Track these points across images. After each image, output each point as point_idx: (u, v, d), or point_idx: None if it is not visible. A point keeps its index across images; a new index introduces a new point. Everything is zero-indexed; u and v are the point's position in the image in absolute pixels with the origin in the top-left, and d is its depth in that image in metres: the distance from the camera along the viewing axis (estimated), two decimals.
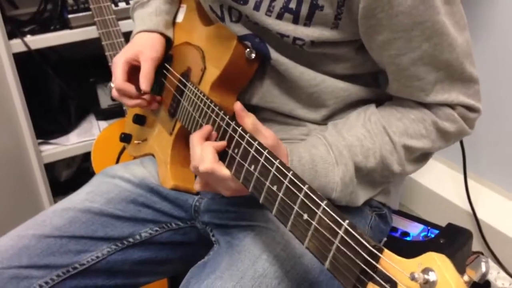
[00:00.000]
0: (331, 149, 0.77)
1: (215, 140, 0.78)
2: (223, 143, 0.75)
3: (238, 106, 0.78)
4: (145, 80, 0.94)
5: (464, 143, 1.47)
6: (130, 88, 0.94)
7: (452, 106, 0.81)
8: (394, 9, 0.71)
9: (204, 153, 0.74)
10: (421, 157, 0.84)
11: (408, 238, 1.15)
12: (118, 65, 0.95)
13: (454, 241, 1.12)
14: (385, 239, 1.02)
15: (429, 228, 1.16)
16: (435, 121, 0.81)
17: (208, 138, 0.79)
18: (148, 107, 0.99)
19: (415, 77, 0.77)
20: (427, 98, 0.79)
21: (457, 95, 0.79)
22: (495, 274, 1.46)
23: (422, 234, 1.15)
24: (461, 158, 1.50)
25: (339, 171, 0.77)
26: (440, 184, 1.74)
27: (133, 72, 0.96)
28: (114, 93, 0.97)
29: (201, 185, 0.79)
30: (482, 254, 1.41)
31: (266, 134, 0.75)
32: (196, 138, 0.77)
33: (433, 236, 1.14)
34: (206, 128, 0.79)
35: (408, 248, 1.09)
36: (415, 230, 1.16)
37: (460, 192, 1.61)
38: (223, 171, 0.73)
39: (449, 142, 0.84)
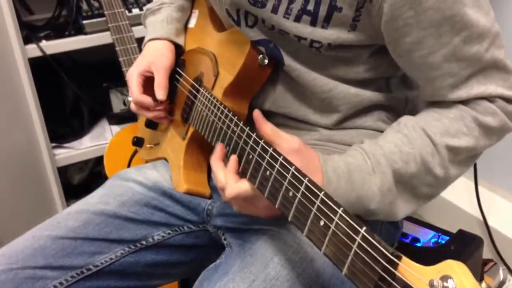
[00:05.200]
0: (368, 157, 0.75)
1: (229, 149, 0.80)
2: (234, 158, 0.77)
3: (257, 113, 0.78)
4: (160, 90, 0.95)
5: None
6: (147, 99, 0.96)
7: (490, 99, 0.77)
8: (422, 5, 0.69)
9: (227, 179, 0.75)
10: (466, 159, 0.80)
11: (418, 244, 1.15)
12: (133, 79, 0.97)
13: (465, 248, 1.12)
14: (395, 245, 1.02)
15: (439, 234, 1.16)
16: (476, 116, 0.77)
17: (224, 155, 0.80)
18: (165, 119, 1.00)
19: (448, 74, 0.75)
20: (462, 94, 0.76)
21: (496, 87, 0.77)
22: (506, 282, 1.45)
23: (433, 240, 1.15)
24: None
25: (376, 180, 0.74)
26: (450, 190, 1.72)
27: (148, 83, 0.98)
28: (133, 107, 0.99)
29: (238, 207, 0.78)
30: (493, 261, 1.41)
31: (289, 138, 0.75)
32: (216, 162, 0.79)
33: (443, 242, 1.14)
34: (220, 148, 0.81)
35: (418, 255, 1.08)
36: (425, 236, 1.16)
37: (471, 199, 1.60)
38: (245, 185, 0.74)
39: (493, 140, 0.80)
